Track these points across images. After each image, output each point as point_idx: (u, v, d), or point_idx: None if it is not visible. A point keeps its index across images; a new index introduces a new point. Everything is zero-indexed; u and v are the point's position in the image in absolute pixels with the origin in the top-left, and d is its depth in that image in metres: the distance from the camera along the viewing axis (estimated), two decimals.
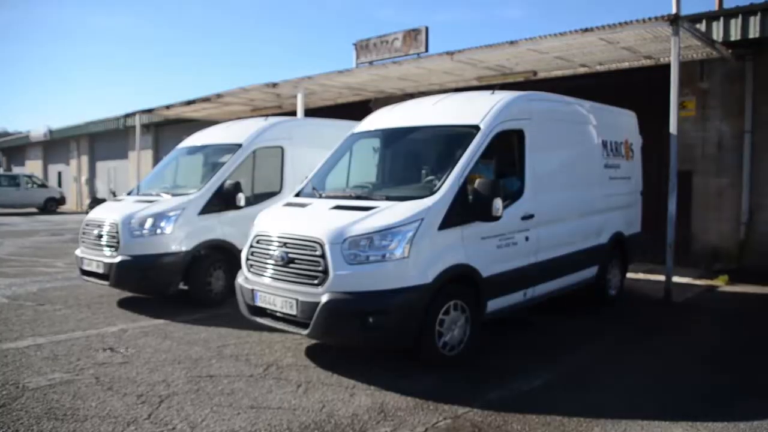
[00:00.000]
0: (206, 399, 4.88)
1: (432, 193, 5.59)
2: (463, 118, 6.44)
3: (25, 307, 8.20)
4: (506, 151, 6.57)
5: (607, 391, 5.17)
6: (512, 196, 6.30)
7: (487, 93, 6.92)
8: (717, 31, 10.41)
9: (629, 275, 10.57)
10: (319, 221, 5.63)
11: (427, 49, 13.28)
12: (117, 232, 8.01)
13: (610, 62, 11.70)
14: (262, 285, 5.76)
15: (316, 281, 5.28)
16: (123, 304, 8.47)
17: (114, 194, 11.09)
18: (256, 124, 9.63)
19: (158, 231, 7.97)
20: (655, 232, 10.79)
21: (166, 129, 26.35)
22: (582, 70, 12.24)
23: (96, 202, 16.39)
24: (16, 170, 41.01)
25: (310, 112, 14.32)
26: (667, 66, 9.00)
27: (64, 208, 32.98)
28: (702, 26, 10.37)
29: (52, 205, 31.81)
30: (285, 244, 5.61)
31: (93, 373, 5.51)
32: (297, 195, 6.77)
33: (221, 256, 8.38)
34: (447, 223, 5.49)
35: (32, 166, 40.68)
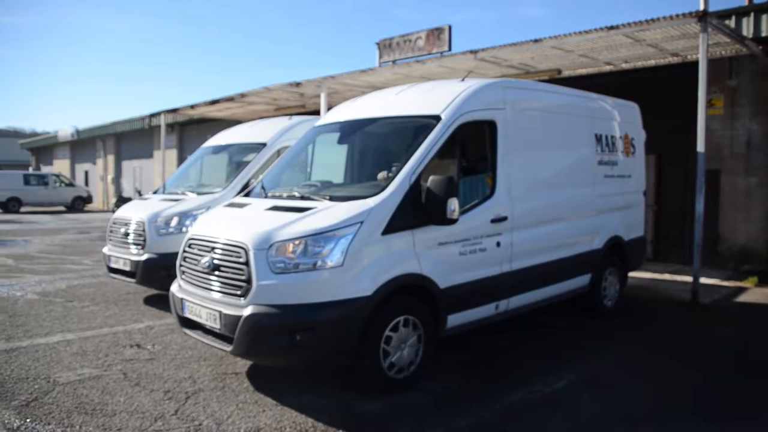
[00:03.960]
0: (232, 396, 4.93)
1: (378, 192, 4.95)
2: (423, 107, 5.75)
3: (55, 304, 8.35)
4: (475, 145, 5.91)
5: (630, 394, 5.09)
6: (481, 195, 5.71)
7: (456, 80, 6.24)
8: (747, 27, 10.22)
9: (655, 276, 10.48)
10: (248, 224, 5.05)
11: (450, 48, 13.21)
12: (143, 231, 8.14)
13: (635, 60, 11.54)
14: (191, 294, 5.21)
15: (239, 292, 4.67)
16: (149, 301, 8.58)
17: (140, 193, 11.28)
18: (281, 123, 9.80)
19: (183, 229, 7.99)
20: (682, 232, 10.66)
21: (190, 128, 26.61)
22: (607, 68, 12.10)
23: (122, 200, 16.62)
24: (45, 169, 41.80)
25: None
26: (695, 63, 8.86)
27: (91, 206, 33.54)
28: (731, 22, 10.18)
29: (79, 204, 32.37)
30: (213, 249, 5.01)
31: (121, 369, 5.59)
32: (246, 194, 6.26)
33: None
34: (394, 226, 4.84)
35: (60, 166, 41.39)
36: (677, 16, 8.41)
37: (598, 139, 7.47)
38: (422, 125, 5.46)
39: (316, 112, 14.48)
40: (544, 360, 5.96)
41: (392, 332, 4.84)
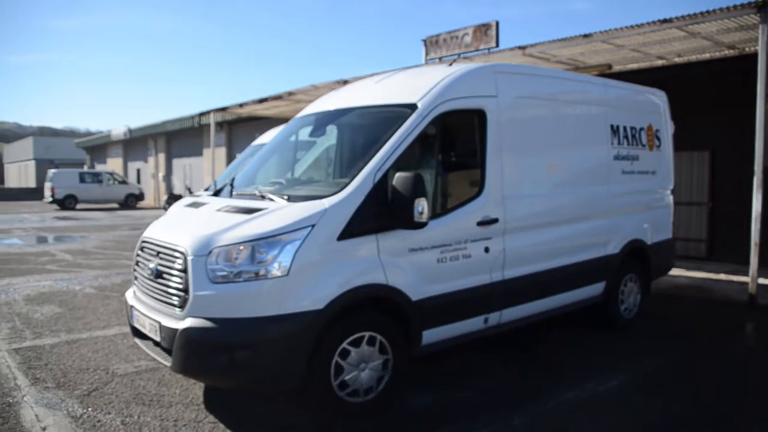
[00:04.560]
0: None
1: (338, 192, 4.37)
2: (401, 96, 5.10)
3: (111, 298, 8.62)
4: (461, 138, 5.29)
5: (685, 396, 4.96)
6: (467, 195, 5.10)
7: (443, 66, 5.59)
8: None
9: (709, 275, 10.15)
10: (192, 227, 4.52)
11: (497, 44, 13.09)
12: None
13: (689, 53, 11.22)
14: (140, 302, 4.78)
15: (177, 302, 4.20)
16: None
17: (190, 191, 11.36)
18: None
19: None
20: (739, 231, 10.31)
21: (239, 127, 27.09)
22: (659, 63, 11.80)
23: (173, 198, 17.01)
24: (99, 168, 43.23)
25: None
26: (753, 56, 8.56)
27: (143, 203, 34.57)
28: None
29: (131, 201, 33.41)
30: (158, 253, 4.56)
31: None
32: (215, 193, 5.60)
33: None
34: (353, 231, 4.25)
35: (113, 164, 42.73)
36: (735, 7, 8.13)
37: (615, 130, 6.70)
38: (396, 115, 4.84)
39: None
40: (598, 358, 5.87)
41: (352, 346, 4.28)
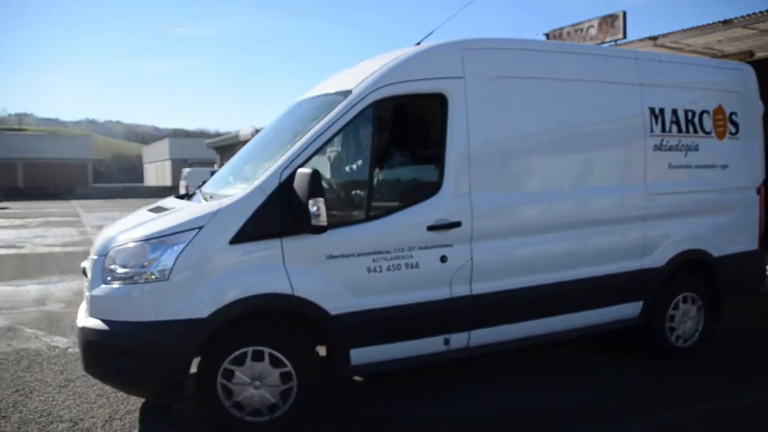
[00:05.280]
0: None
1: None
2: (346, 82, 4.49)
3: None
4: (413, 128, 4.77)
5: None
6: (420, 193, 4.38)
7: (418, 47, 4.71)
8: None
9: None
10: (116, 227, 4.32)
11: (625, 35, 12.54)
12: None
13: None
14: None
15: (86, 302, 4.06)
16: None
17: None
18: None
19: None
20: None
21: None
22: None
23: None
24: None
25: None
26: None
27: None
28: None
29: None
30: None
31: None
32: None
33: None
34: (250, 234, 3.81)
35: None
36: None
37: (656, 114, 5.31)
38: (327, 104, 4.34)
39: None
40: (731, 372, 5.23)
41: (236, 366, 3.83)
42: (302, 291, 3.89)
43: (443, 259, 4.29)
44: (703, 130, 5.62)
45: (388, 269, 4.14)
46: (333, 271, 3.99)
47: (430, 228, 4.23)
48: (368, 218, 4.13)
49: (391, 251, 4.13)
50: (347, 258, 4.02)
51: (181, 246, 3.73)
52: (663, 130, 5.36)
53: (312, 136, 4.05)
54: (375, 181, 4.31)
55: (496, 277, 4.51)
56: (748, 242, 5.95)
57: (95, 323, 3.80)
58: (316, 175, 3.71)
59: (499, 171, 4.57)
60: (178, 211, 4.10)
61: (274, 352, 3.86)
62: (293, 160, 3.95)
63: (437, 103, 4.42)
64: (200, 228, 3.78)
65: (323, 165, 4.45)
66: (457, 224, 4.30)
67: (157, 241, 3.79)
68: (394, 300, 4.16)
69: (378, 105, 4.24)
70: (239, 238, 3.80)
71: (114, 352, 3.74)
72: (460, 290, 4.38)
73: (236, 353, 3.81)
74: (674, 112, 5.42)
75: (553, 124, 4.87)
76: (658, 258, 5.31)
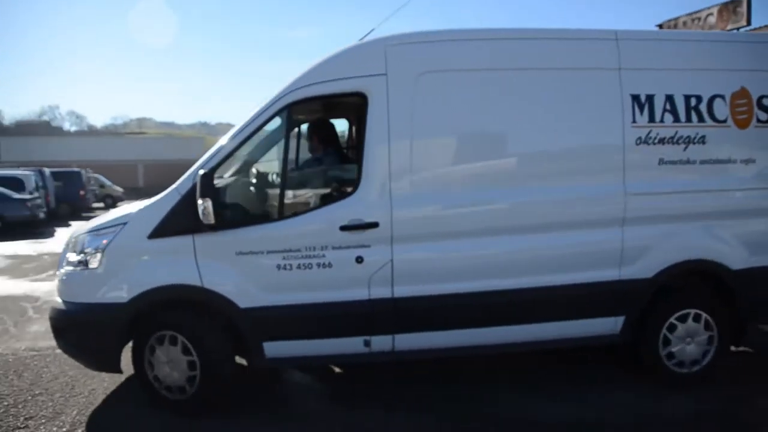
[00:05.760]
0: None
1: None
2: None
3: None
4: (330, 129, 4.95)
5: None
6: (336, 193, 4.50)
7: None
8: None
9: None
10: (90, 221, 4.99)
11: (749, 23, 11.72)
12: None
13: None
14: None
15: None
16: None
17: None
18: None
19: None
20: None
21: None
22: None
23: None
24: None
25: None
26: None
27: None
28: None
29: None
30: None
31: None
32: None
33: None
34: (165, 230, 4.21)
35: None
36: None
37: (642, 102, 4.61)
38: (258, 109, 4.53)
39: None
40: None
41: (170, 345, 4.30)
42: (212, 284, 4.21)
43: (359, 259, 4.27)
44: (714, 119, 4.71)
45: (299, 267, 4.24)
46: (243, 267, 4.23)
47: (344, 228, 4.23)
48: (280, 217, 4.29)
49: (301, 250, 4.23)
50: (256, 255, 4.23)
51: (110, 238, 4.29)
52: (651, 120, 4.62)
53: (228, 139, 4.34)
54: (288, 181, 4.58)
55: (423, 281, 4.36)
56: None
57: (57, 302, 4.49)
58: (205, 177, 4.03)
59: (426, 170, 4.39)
60: (119, 209, 4.77)
61: (185, 339, 4.26)
62: (207, 162, 4.26)
63: (359, 102, 4.39)
64: (125, 224, 4.34)
65: (247, 167, 4.87)
66: (374, 225, 4.25)
67: (95, 233, 4.42)
68: (306, 298, 4.27)
69: (293, 107, 4.37)
70: (156, 233, 4.23)
71: (64, 329, 4.42)
72: (380, 292, 4.31)
73: (158, 334, 4.30)
74: (669, 98, 4.64)
75: (494, 119, 4.53)
76: (642, 268, 4.65)
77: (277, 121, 4.47)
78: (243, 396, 4.70)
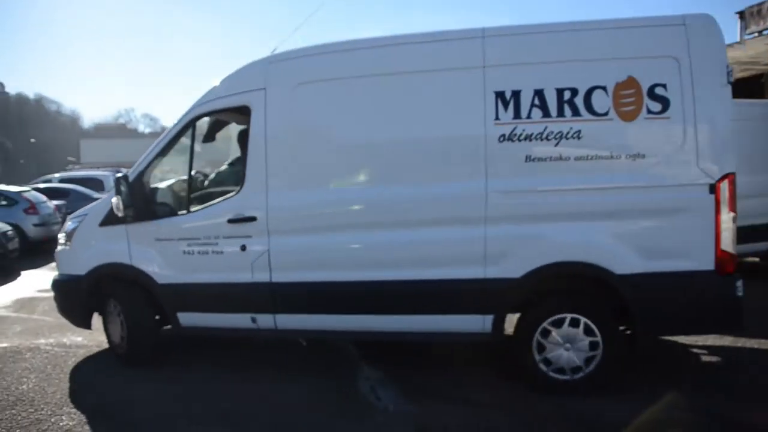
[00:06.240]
0: None
1: None
2: None
3: None
4: (230, 138, 5.82)
5: None
6: (228, 191, 5.19)
7: None
8: None
9: None
10: None
11: None
12: None
13: None
14: None
15: None
16: None
17: None
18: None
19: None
20: None
21: None
22: None
23: None
24: None
25: None
26: None
27: None
28: None
29: None
30: None
31: None
32: None
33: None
34: (109, 220, 5.45)
35: None
36: None
37: (506, 99, 4.49)
38: None
39: None
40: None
41: (112, 309, 5.58)
42: (138, 263, 5.37)
43: (243, 248, 5.03)
44: (592, 112, 4.41)
45: (199, 253, 5.18)
46: (160, 251, 5.31)
47: (230, 221, 5.03)
48: (188, 212, 5.30)
49: (200, 238, 5.16)
50: (169, 241, 5.29)
51: (77, 225, 5.73)
52: (516, 116, 4.48)
53: (150, 149, 5.47)
54: (194, 182, 5.64)
55: (296, 269, 4.92)
56: (693, 259, 4.39)
57: (56, 275, 6.01)
58: (118, 179, 5.24)
59: (297, 170, 4.89)
60: (94, 202, 6.31)
61: (118, 305, 5.51)
62: (137, 168, 5.43)
63: (246, 114, 5.09)
64: (86, 215, 5.75)
65: (166, 170, 6.19)
66: (252, 218, 4.95)
67: (73, 221, 5.85)
68: (205, 278, 5.17)
69: (198, 119, 5.35)
70: (104, 222, 5.51)
71: (55, 294, 5.96)
72: (261, 277, 5.00)
73: (110, 302, 5.59)
74: (538, 93, 4.45)
75: (362, 122, 4.82)
76: (509, 268, 4.54)
77: (185, 132, 5.36)
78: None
